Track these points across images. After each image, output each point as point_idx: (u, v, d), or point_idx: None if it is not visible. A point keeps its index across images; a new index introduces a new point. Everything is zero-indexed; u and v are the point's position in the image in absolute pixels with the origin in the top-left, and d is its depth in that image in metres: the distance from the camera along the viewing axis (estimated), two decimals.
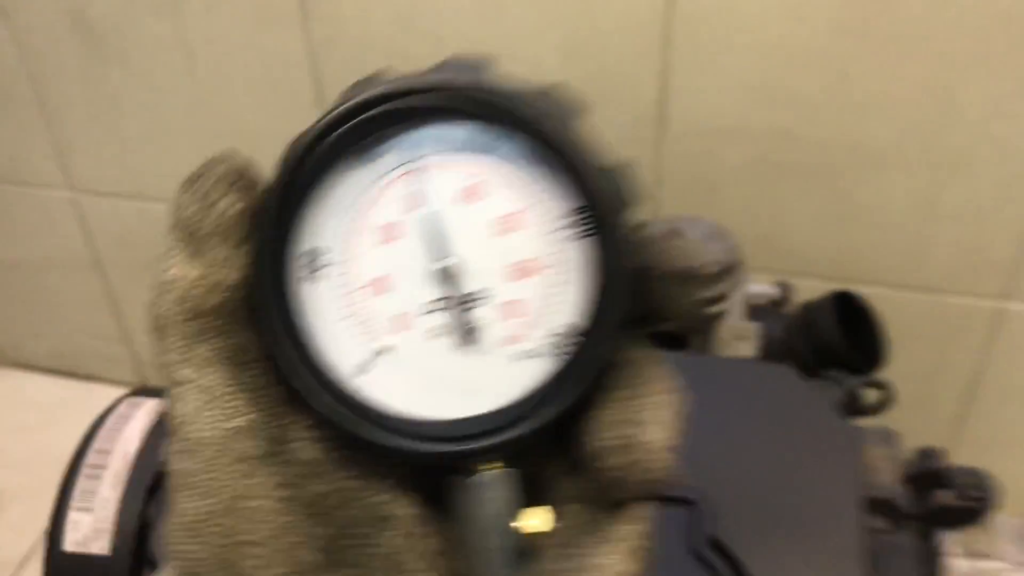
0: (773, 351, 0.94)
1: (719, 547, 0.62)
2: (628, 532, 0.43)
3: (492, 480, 0.44)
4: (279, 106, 1.73)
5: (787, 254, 1.63)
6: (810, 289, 1.55)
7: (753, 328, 0.95)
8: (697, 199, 1.60)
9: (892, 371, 1.71)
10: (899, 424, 1.79)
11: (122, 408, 0.81)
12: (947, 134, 1.45)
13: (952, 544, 0.72)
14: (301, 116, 1.57)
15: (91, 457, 0.78)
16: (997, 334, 1.65)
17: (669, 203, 1.62)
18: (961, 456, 1.81)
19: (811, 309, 0.97)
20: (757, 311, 1.03)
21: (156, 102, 1.79)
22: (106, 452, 0.77)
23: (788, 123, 1.49)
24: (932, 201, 1.52)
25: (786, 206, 1.58)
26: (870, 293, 1.64)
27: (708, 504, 0.63)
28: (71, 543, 0.75)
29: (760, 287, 1.06)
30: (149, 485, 0.74)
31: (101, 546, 0.73)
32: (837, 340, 0.90)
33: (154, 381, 1.01)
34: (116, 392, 2.22)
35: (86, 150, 1.89)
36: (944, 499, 0.67)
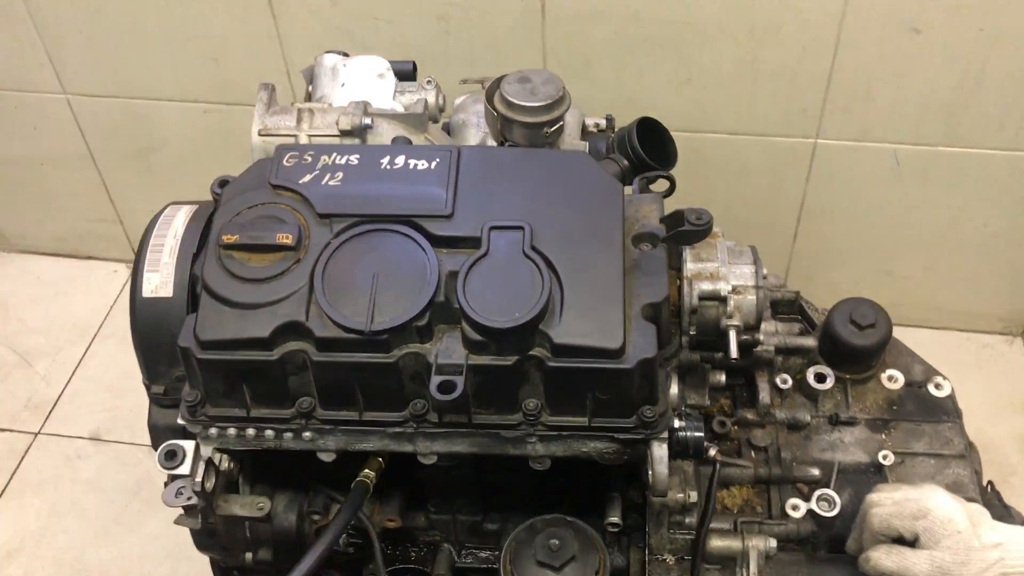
0: (597, 159, 1.37)
1: (538, 251, 1.08)
2: None
3: None
4: (239, 9, 2.10)
5: (650, 113, 2.07)
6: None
7: (584, 145, 1.39)
8: (575, 71, 2.03)
9: (739, 201, 2.19)
10: (748, 241, 2.28)
11: (168, 210, 1.23)
12: (759, 7, 1.89)
13: (688, 253, 1.17)
14: (259, 20, 2.01)
15: (153, 240, 1.20)
16: (814, 166, 2.13)
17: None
18: (796, 263, 2.32)
19: (623, 129, 1.40)
20: (589, 135, 1.46)
21: (134, 11, 2.14)
22: (163, 235, 1.19)
23: (638, 6, 1.91)
24: (752, 62, 1.96)
25: (644, 72, 2.02)
26: (713, 139, 2.11)
27: (531, 229, 1.08)
28: (147, 292, 1.18)
29: (592, 119, 1.49)
30: (193, 254, 1.17)
31: (166, 292, 1.16)
32: (636, 147, 1.34)
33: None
34: (115, 267, 2.65)
35: (75, 57, 2.25)
36: (684, 229, 1.12)
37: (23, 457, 2.28)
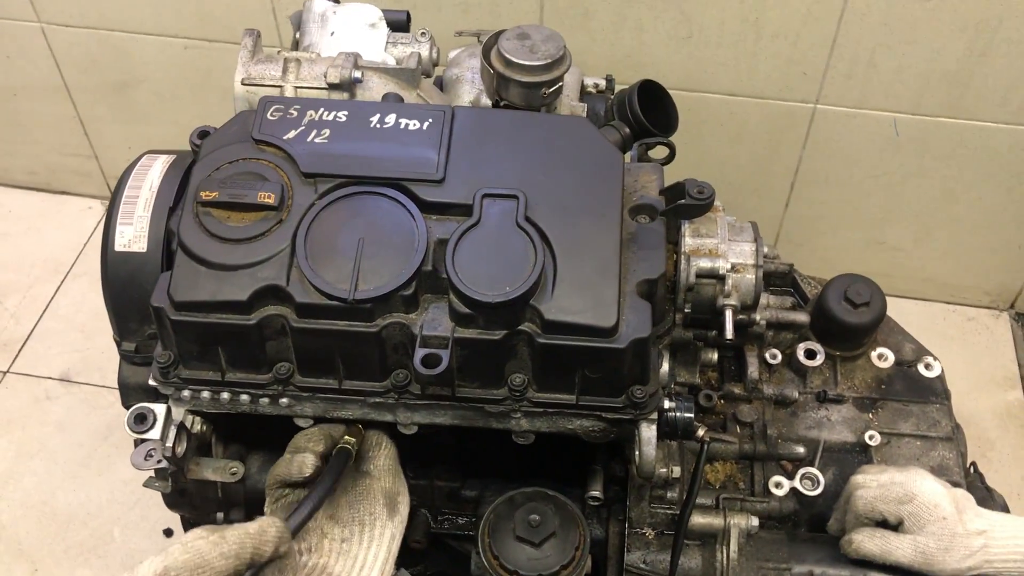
0: (596, 123, 1.32)
1: (531, 222, 1.03)
2: None
3: None
4: None
5: (648, 69, 2.01)
6: None
7: (583, 107, 1.34)
8: (573, 22, 1.96)
9: (732, 163, 2.14)
10: (740, 205, 2.24)
11: (144, 160, 1.16)
12: None
13: (687, 227, 1.12)
14: None
15: (128, 191, 1.14)
16: (812, 131, 2.08)
17: (550, 24, 1.97)
18: (787, 228, 2.28)
19: (623, 92, 1.34)
20: (587, 96, 1.41)
21: None
22: (137, 187, 1.13)
23: None
24: (756, 22, 1.90)
25: (644, 27, 1.95)
26: (712, 99, 2.05)
27: (525, 199, 1.03)
28: (119, 246, 1.12)
29: (591, 79, 1.43)
30: (170, 207, 1.12)
31: (140, 247, 1.11)
32: (636, 112, 1.28)
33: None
34: (88, 203, 2.58)
35: None
36: (684, 202, 1.07)
37: None
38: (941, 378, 1.47)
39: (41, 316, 2.38)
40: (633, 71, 1.99)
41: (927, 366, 1.47)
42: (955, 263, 2.29)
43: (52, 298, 2.41)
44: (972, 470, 1.45)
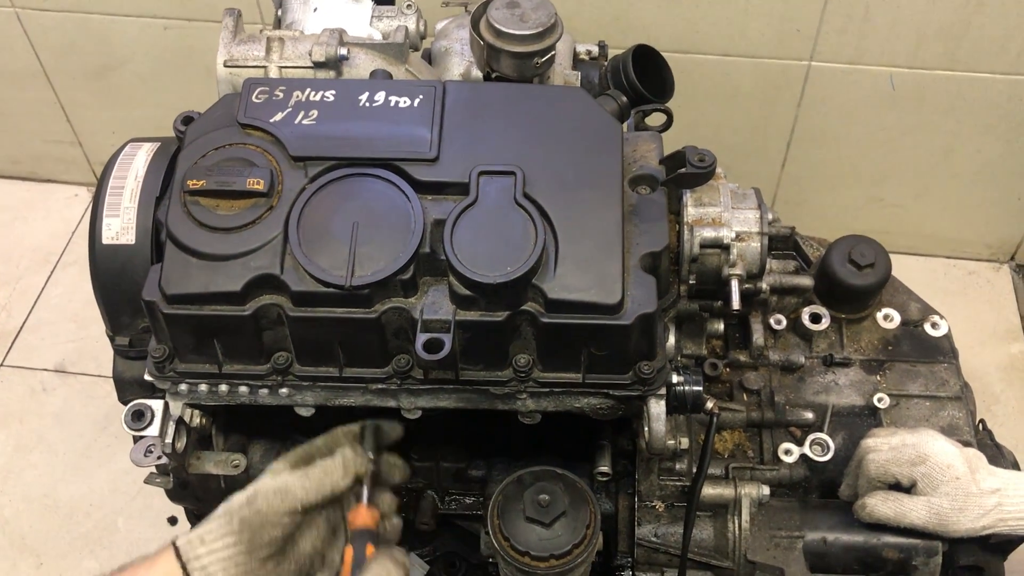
0: (591, 91, 1.29)
1: (530, 199, 1.00)
2: None
3: None
4: None
5: (639, 31, 1.98)
6: None
7: (576, 75, 1.31)
8: None
9: (728, 125, 2.11)
10: (736, 166, 2.20)
11: (128, 148, 1.13)
12: None
13: (689, 197, 1.10)
14: None
15: (113, 181, 1.11)
16: (807, 89, 2.05)
17: None
18: (784, 188, 2.25)
19: (617, 58, 1.31)
20: (581, 64, 1.37)
21: None
22: (122, 177, 1.10)
23: None
24: None
25: None
26: (705, 61, 2.02)
27: (523, 175, 1.01)
28: (107, 239, 1.09)
29: (583, 45, 1.40)
30: (157, 196, 1.09)
31: (128, 239, 1.08)
32: (632, 79, 1.25)
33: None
34: (75, 191, 2.53)
35: None
36: (685, 171, 1.05)
37: None
38: (948, 337, 1.45)
39: (33, 307, 2.35)
40: (623, 34, 1.95)
41: (934, 325, 1.45)
42: (955, 217, 2.27)
43: (43, 288, 2.38)
44: (981, 427, 1.43)
